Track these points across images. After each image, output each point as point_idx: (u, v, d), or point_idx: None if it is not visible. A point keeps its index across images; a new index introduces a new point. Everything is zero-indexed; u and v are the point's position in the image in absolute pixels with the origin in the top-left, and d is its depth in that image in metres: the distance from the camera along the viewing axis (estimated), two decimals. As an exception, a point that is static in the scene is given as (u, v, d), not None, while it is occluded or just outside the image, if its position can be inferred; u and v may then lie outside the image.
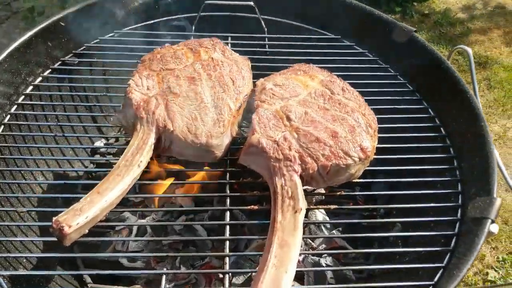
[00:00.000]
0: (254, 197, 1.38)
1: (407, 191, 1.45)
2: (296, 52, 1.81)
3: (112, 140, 1.97)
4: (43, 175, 1.66)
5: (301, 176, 1.28)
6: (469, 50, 1.76)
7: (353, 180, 1.37)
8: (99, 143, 1.93)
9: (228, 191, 1.36)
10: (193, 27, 1.91)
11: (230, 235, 1.27)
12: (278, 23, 1.94)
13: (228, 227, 1.27)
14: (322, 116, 1.38)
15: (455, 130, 1.50)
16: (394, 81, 1.73)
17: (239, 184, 1.44)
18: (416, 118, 1.60)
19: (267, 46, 1.86)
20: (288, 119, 1.37)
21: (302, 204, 1.22)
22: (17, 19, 4.42)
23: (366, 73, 1.75)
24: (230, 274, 1.20)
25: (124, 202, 1.47)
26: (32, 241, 1.48)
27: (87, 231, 1.19)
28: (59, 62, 1.73)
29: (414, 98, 1.67)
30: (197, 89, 1.42)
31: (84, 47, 1.81)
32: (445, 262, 1.20)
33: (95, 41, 1.83)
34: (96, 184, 1.51)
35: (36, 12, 4.03)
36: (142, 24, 1.92)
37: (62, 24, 1.68)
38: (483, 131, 1.34)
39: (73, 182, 1.70)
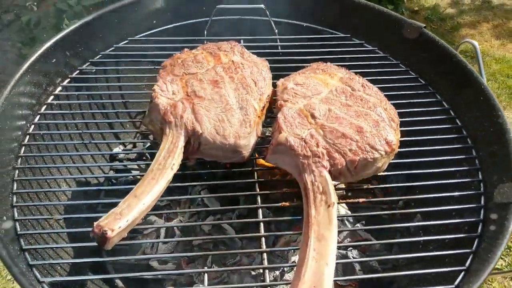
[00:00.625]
0: (283, 194, 1.41)
1: (426, 182, 1.49)
2: (308, 52, 1.85)
3: (129, 146, 1.98)
4: (66, 182, 1.68)
5: (329, 172, 1.32)
6: (476, 43, 1.82)
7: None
8: (117, 149, 1.95)
9: (258, 190, 1.40)
10: (205, 32, 1.94)
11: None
12: (288, 25, 1.98)
13: (262, 224, 1.31)
14: (345, 112, 1.42)
15: (471, 120, 1.56)
16: (406, 76, 1.78)
17: (267, 182, 1.46)
18: (430, 111, 1.65)
19: (279, 47, 1.90)
20: (313, 116, 1.41)
21: (334, 198, 1.25)
22: (8, 32, 4.38)
23: (378, 69, 1.80)
24: (267, 270, 1.22)
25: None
26: (63, 248, 1.50)
27: (126, 234, 1.21)
28: (77, 71, 1.75)
29: (427, 91, 1.72)
30: (221, 91, 1.46)
31: (100, 55, 1.83)
32: (474, 247, 1.25)
33: (110, 49, 1.86)
34: (118, 190, 1.56)
35: (32, 24, 4.01)
36: (155, 30, 1.95)
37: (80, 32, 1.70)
38: (501, 119, 1.39)
39: (96, 189, 1.72)
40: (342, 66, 1.64)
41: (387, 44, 1.87)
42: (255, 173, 1.45)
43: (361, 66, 1.79)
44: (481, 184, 1.40)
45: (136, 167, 1.87)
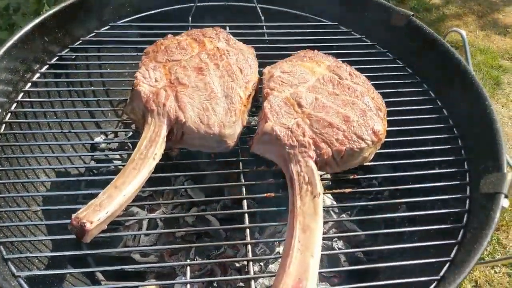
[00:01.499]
0: (269, 185, 1.38)
1: (412, 172, 1.48)
2: (295, 40, 1.82)
3: (111, 135, 1.93)
4: (45, 173, 1.63)
5: (315, 162, 1.29)
6: (463, 32, 1.80)
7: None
8: (99, 139, 1.89)
9: (243, 180, 1.37)
10: (190, 18, 1.89)
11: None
12: (275, 12, 1.94)
13: (246, 215, 1.28)
14: (332, 101, 1.39)
15: (458, 110, 1.54)
16: (393, 65, 1.76)
17: (253, 172, 1.43)
18: (417, 100, 1.63)
19: (266, 34, 1.86)
20: (299, 105, 1.38)
21: (320, 189, 1.23)
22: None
23: (365, 58, 1.77)
24: (252, 262, 1.20)
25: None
26: (41, 240, 1.45)
27: (106, 226, 1.17)
28: (56, 58, 1.69)
29: (414, 81, 1.71)
30: (205, 79, 1.42)
31: (81, 41, 1.76)
32: (459, 238, 1.24)
33: (91, 35, 1.79)
34: (99, 180, 1.51)
35: (12, 9, 3.88)
36: (137, 16, 1.89)
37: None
38: (488, 109, 1.38)
39: (76, 179, 1.66)
40: (329, 54, 1.61)
41: (375, 32, 1.84)
42: (240, 163, 1.42)
43: (348, 54, 1.76)
44: (467, 174, 1.40)
45: (118, 157, 1.83)
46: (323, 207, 1.61)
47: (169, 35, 1.60)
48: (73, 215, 1.12)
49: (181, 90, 1.38)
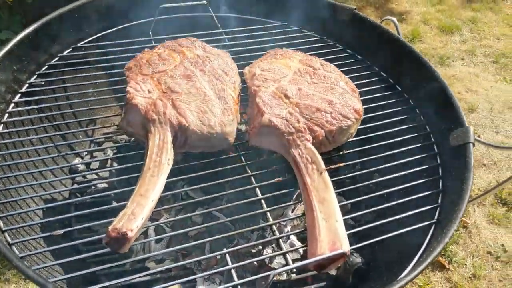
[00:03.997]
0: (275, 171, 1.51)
1: (379, 143, 1.64)
2: (253, 42, 1.96)
3: (87, 156, 1.91)
4: (33, 201, 1.59)
5: (312, 143, 1.45)
6: (394, 19, 2.09)
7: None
8: (76, 161, 1.87)
9: (249, 171, 1.47)
10: (150, 32, 1.94)
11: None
12: (230, 18, 2.07)
13: (263, 200, 1.39)
14: (314, 89, 1.56)
15: (408, 83, 1.80)
16: (343, 54, 1.98)
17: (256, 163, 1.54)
18: (372, 81, 1.86)
19: (226, 40, 1.98)
20: (286, 97, 1.53)
21: (323, 165, 1.39)
22: None
23: (318, 51, 1.97)
24: (280, 239, 1.32)
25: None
26: (50, 266, 1.42)
27: (139, 235, 1.22)
28: (27, 85, 1.65)
29: (365, 65, 1.94)
30: (196, 84, 1.50)
31: (46, 66, 1.74)
32: (441, 187, 1.47)
33: (55, 60, 1.77)
34: (90, 201, 1.51)
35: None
36: (98, 35, 1.90)
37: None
38: (434, 74, 1.64)
39: (65, 202, 1.63)
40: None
41: (322, 27, 2.05)
42: (242, 157, 1.52)
43: (302, 49, 1.94)
44: (431, 136, 1.65)
45: (99, 176, 1.82)
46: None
47: (146, 49, 1.65)
48: (110, 228, 1.15)
49: (176, 98, 1.45)
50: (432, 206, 1.42)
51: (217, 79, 1.54)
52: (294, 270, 1.57)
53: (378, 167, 1.59)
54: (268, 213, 1.36)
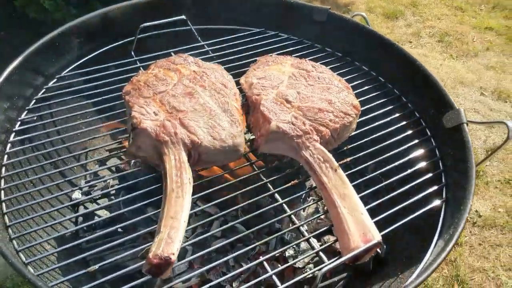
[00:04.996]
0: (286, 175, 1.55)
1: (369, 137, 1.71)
2: (236, 51, 1.99)
3: (85, 188, 1.87)
4: (50, 245, 1.54)
5: (320, 143, 1.51)
6: (364, 14, 2.19)
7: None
8: (77, 195, 1.82)
9: (264, 179, 1.51)
10: (133, 53, 1.92)
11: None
12: (210, 30, 2.09)
13: (284, 205, 1.43)
14: (311, 91, 1.62)
15: (390, 72, 1.90)
16: (324, 53, 2.06)
17: (269, 169, 1.58)
18: (356, 76, 1.95)
19: (210, 52, 1.99)
20: (288, 101, 1.57)
21: (336, 162, 1.45)
22: None
23: (298, 53, 2.04)
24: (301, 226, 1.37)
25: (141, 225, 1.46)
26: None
27: (175, 258, 1.22)
28: (19, 123, 1.59)
29: (344, 62, 2.03)
30: (199, 101, 1.52)
31: (34, 100, 1.68)
32: (441, 167, 1.57)
33: (41, 92, 1.72)
34: (101, 234, 1.48)
35: None
36: (81, 61, 1.86)
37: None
38: (418, 65, 1.75)
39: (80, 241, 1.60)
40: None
41: (299, 30, 2.12)
42: (253, 166, 1.55)
43: (284, 53, 1.99)
44: (421, 120, 1.75)
45: (104, 205, 1.79)
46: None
47: (140, 71, 1.64)
48: (150, 255, 1.14)
49: (183, 117, 1.46)
50: (439, 186, 1.52)
51: (218, 92, 1.56)
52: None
53: (377, 159, 1.62)
54: (292, 216, 1.40)
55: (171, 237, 1.19)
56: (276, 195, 1.46)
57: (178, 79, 1.60)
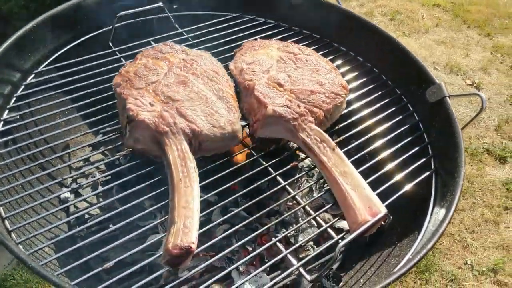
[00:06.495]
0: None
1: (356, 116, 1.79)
2: (217, 37, 1.98)
3: (73, 185, 1.81)
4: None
5: (315, 124, 1.55)
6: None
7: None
8: (66, 195, 1.76)
9: (264, 163, 1.53)
10: (110, 43, 1.86)
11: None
12: (188, 16, 2.05)
13: (287, 186, 1.47)
14: (301, 74, 1.65)
15: (369, 52, 1.97)
16: (302, 36, 2.09)
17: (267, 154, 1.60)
18: (336, 57, 2.00)
19: (190, 39, 1.97)
20: (280, 85, 1.60)
21: (332, 141, 1.50)
22: None
23: (280, 36, 2.05)
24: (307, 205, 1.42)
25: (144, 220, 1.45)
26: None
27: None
28: (1, 123, 1.51)
29: (324, 43, 2.07)
30: (194, 89, 1.51)
31: (15, 98, 1.60)
32: (427, 140, 1.66)
33: (20, 90, 1.63)
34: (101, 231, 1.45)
35: None
36: (56, 55, 1.78)
37: None
38: (391, 40, 1.83)
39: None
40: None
41: (276, 13, 2.13)
42: (251, 150, 1.57)
43: (263, 37, 2.01)
44: (402, 97, 1.84)
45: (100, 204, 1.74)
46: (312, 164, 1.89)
47: (127, 62, 1.60)
48: (169, 246, 1.15)
49: (180, 106, 1.45)
50: (426, 158, 1.61)
51: (211, 80, 1.55)
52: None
53: (364, 138, 1.64)
54: (299, 194, 1.44)
55: (187, 226, 1.20)
56: (278, 178, 1.49)
57: (168, 68, 1.57)
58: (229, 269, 1.29)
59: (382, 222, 1.33)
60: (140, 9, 1.87)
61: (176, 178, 1.31)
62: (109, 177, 1.65)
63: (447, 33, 4.92)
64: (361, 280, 1.51)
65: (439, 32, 4.95)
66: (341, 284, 1.57)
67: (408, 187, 1.48)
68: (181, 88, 1.50)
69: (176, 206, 1.25)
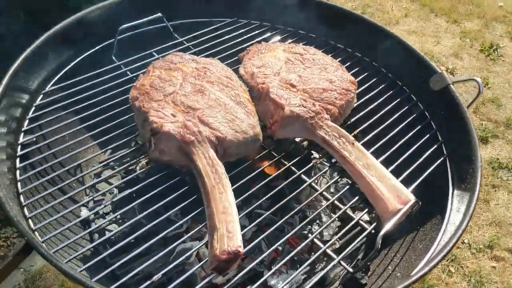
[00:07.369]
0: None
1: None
2: (217, 43, 2.00)
3: (91, 204, 1.79)
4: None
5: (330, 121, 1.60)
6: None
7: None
8: (85, 212, 1.74)
9: (286, 163, 1.57)
10: (113, 56, 1.85)
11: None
12: (187, 24, 2.06)
13: (313, 183, 1.51)
14: (311, 73, 1.69)
15: (367, 47, 2.03)
16: (299, 36, 2.14)
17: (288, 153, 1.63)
18: (336, 54, 2.05)
19: (191, 47, 1.97)
20: (293, 86, 1.64)
21: (351, 136, 1.55)
22: None
23: (277, 37, 2.10)
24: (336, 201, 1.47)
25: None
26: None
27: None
28: (20, 147, 1.48)
29: (323, 42, 2.12)
30: (211, 97, 1.52)
31: (28, 121, 1.57)
32: (435, 127, 1.74)
33: (32, 111, 1.60)
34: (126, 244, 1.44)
35: None
36: (62, 72, 1.75)
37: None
38: (388, 33, 1.90)
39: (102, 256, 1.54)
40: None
41: (270, 17, 2.16)
42: (272, 151, 1.60)
43: (262, 39, 2.04)
44: (404, 87, 1.91)
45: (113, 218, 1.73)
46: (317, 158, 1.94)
47: (141, 75, 1.60)
48: (217, 252, 1.17)
49: (201, 114, 1.46)
50: (437, 144, 1.68)
51: (227, 86, 1.58)
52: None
53: (376, 131, 1.68)
54: (325, 193, 1.49)
55: (231, 231, 1.22)
56: (303, 176, 1.53)
57: (183, 78, 1.58)
58: (271, 272, 1.31)
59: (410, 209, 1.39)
60: (141, 20, 1.87)
61: (210, 186, 1.33)
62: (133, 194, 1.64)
63: (416, 23, 5.09)
64: (389, 267, 1.56)
65: (409, 22, 5.11)
66: (369, 273, 1.63)
67: (426, 173, 1.54)
68: (199, 96, 1.52)
69: (215, 213, 1.27)
